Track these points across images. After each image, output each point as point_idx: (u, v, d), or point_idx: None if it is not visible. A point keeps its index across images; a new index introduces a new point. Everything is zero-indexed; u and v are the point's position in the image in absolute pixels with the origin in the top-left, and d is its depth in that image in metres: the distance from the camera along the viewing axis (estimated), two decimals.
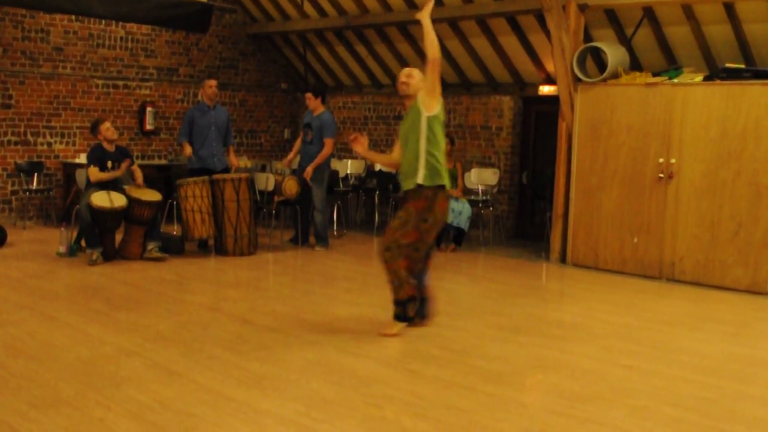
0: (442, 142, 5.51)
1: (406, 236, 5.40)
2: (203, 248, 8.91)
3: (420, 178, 5.40)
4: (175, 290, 6.88)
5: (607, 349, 5.38)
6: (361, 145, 5.72)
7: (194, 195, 8.36)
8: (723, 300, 7.14)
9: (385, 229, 5.98)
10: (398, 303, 5.54)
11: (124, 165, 8.14)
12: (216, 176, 8.55)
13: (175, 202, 9.78)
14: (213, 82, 8.98)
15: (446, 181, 5.50)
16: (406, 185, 5.51)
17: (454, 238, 9.48)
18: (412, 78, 5.53)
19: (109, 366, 4.65)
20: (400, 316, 5.55)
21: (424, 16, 5.37)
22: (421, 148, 5.41)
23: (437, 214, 5.47)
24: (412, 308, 5.57)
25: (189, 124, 8.88)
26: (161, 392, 4.22)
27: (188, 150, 8.77)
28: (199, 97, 9.18)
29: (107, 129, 8.10)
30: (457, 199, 9.34)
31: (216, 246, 8.73)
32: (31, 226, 10.31)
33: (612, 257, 8.31)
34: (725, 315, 6.58)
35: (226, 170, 8.99)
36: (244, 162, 10.80)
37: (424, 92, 5.44)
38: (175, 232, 9.38)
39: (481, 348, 5.30)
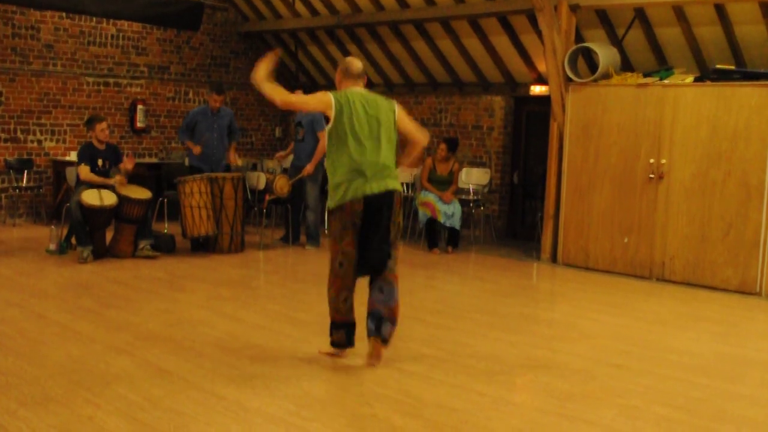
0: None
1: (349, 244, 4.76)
2: (195, 249, 8.83)
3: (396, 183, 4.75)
4: (166, 288, 6.87)
5: (598, 348, 5.40)
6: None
7: (196, 191, 8.30)
8: (713, 300, 7.17)
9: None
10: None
11: (118, 177, 8.07)
12: (215, 174, 8.56)
13: (166, 200, 9.76)
14: (219, 98, 8.99)
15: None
16: (390, 185, 4.70)
17: (449, 239, 9.43)
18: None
19: (98, 364, 4.64)
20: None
21: (259, 82, 4.62)
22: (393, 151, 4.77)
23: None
24: (337, 335, 4.84)
25: (190, 125, 8.99)
26: (151, 390, 4.20)
27: (195, 147, 8.86)
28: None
29: (102, 130, 8.06)
30: (446, 202, 9.27)
31: (211, 244, 8.69)
32: (21, 223, 10.26)
33: (603, 257, 8.33)
34: (715, 315, 6.61)
35: (227, 169, 9.02)
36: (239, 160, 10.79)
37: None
38: (165, 231, 9.35)
39: (471, 347, 5.31)
